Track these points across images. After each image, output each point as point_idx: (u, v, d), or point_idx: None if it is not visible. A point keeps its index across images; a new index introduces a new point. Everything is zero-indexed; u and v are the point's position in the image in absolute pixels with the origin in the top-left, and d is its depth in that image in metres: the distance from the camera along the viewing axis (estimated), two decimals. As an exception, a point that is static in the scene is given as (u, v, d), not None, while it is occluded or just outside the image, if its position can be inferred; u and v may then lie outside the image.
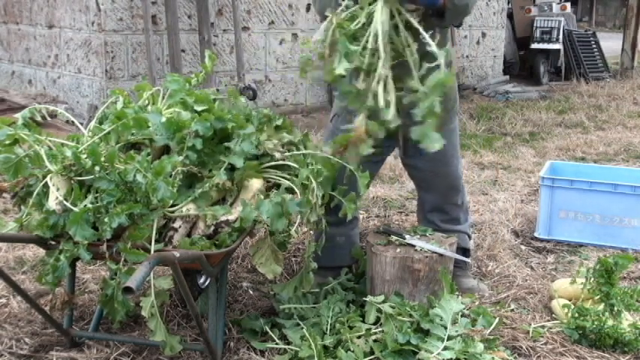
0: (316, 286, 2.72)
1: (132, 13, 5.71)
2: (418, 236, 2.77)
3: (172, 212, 2.12)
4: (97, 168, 2.06)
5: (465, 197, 3.05)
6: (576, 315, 2.60)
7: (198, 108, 2.40)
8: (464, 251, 3.03)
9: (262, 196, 2.21)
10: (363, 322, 2.48)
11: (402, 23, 2.13)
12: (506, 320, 2.68)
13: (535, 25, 10.56)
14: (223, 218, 2.13)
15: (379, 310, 2.48)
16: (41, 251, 2.32)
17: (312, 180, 2.32)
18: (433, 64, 2.03)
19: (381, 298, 2.53)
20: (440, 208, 2.95)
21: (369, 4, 2.09)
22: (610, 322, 2.54)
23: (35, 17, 6.64)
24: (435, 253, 2.60)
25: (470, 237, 3.09)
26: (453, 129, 2.87)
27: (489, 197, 4.40)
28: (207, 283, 2.65)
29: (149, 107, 2.49)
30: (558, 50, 10.65)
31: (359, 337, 2.37)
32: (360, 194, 2.52)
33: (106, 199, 2.03)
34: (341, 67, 2.03)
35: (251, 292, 2.93)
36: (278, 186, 2.35)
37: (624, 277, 3.16)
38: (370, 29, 2.06)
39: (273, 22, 6.78)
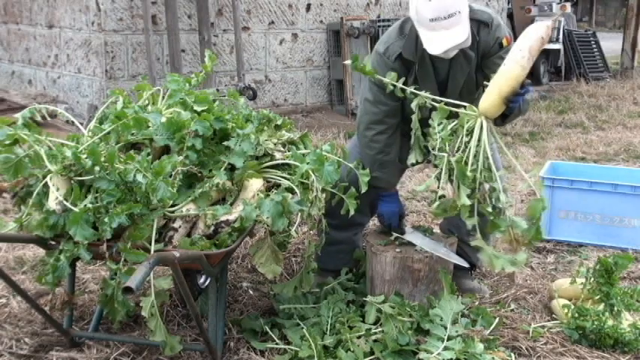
0: (316, 286, 2.72)
1: (132, 13, 5.71)
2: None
3: (172, 212, 2.12)
4: (97, 168, 2.06)
5: None
6: (576, 315, 2.60)
7: (198, 108, 2.40)
8: (472, 266, 3.03)
9: (262, 196, 2.21)
10: (363, 322, 2.48)
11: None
12: (506, 320, 2.68)
13: (535, 25, 10.53)
14: (223, 218, 2.13)
15: (379, 310, 2.48)
16: (41, 251, 2.32)
17: (311, 173, 2.32)
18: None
19: (381, 298, 2.53)
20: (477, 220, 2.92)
21: (468, 121, 2.24)
22: (610, 322, 2.54)
23: (35, 17, 6.64)
24: (435, 254, 2.60)
25: None
26: (495, 149, 2.81)
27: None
28: (207, 283, 2.65)
29: (149, 107, 2.49)
30: (558, 50, 10.65)
31: (359, 337, 2.37)
32: (360, 192, 2.52)
33: (106, 199, 2.03)
34: (464, 197, 2.18)
35: (251, 292, 2.93)
36: (278, 186, 2.35)
37: (624, 277, 3.16)
38: (471, 146, 2.21)
39: (273, 22, 6.78)
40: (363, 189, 2.50)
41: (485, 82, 2.36)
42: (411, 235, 2.73)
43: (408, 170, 4.88)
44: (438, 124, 2.27)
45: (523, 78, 2.26)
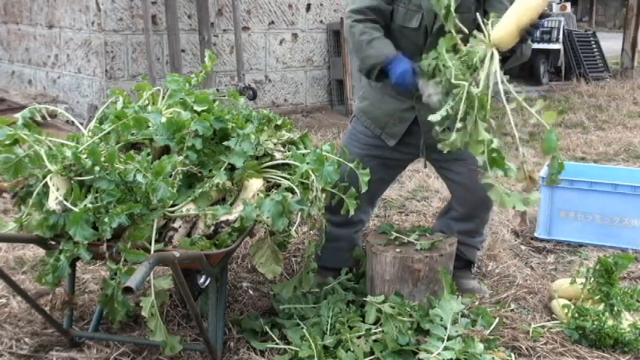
0: (316, 286, 2.72)
1: (132, 13, 5.71)
2: (418, 236, 2.77)
3: (172, 212, 2.12)
4: (97, 168, 2.06)
5: (490, 214, 3.02)
6: (576, 315, 2.60)
7: (198, 108, 2.40)
8: (468, 263, 3.03)
9: (262, 196, 2.21)
10: (363, 322, 2.48)
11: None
12: (506, 320, 2.68)
13: (535, 25, 10.54)
14: (223, 218, 2.13)
15: (379, 310, 2.48)
16: (41, 251, 2.32)
17: (311, 173, 2.32)
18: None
19: (381, 298, 2.53)
20: (464, 218, 2.92)
21: (478, 51, 2.16)
22: (610, 322, 2.54)
23: (35, 17, 6.64)
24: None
25: (479, 250, 3.09)
26: None
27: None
28: (207, 283, 2.65)
29: (149, 107, 2.49)
30: (558, 50, 10.66)
31: (359, 337, 2.37)
32: (360, 192, 2.51)
33: (106, 199, 2.03)
34: (482, 132, 2.10)
35: (251, 292, 2.93)
36: (278, 186, 2.35)
37: (624, 277, 3.16)
38: (481, 78, 2.13)
39: (273, 22, 6.78)
40: (364, 189, 2.48)
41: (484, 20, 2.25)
42: (424, 87, 2.43)
43: (407, 170, 4.89)
44: (447, 52, 2.18)
45: (543, 9, 2.18)
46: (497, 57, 2.13)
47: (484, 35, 2.16)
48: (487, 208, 2.92)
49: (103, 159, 2.08)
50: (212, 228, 2.12)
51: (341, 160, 2.48)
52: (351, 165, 2.51)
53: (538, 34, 10.44)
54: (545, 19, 2.21)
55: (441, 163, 2.86)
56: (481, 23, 2.20)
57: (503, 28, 2.17)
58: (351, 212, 2.46)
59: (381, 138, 2.80)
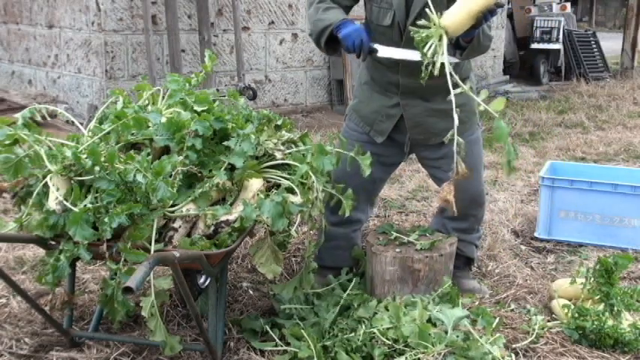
0: (316, 286, 2.71)
1: (132, 13, 5.71)
2: (418, 236, 2.77)
3: (172, 212, 2.12)
4: (97, 168, 2.06)
5: (484, 210, 3.02)
6: (576, 315, 2.60)
7: (198, 108, 2.40)
8: (468, 260, 3.03)
9: (262, 196, 2.21)
10: (362, 322, 2.48)
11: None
12: (506, 320, 2.68)
13: (535, 25, 10.57)
14: (223, 218, 2.13)
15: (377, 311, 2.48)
16: (41, 251, 2.32)
17: (312, 175, 2.31)
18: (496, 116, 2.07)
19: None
20: (458, 217, 2.89)
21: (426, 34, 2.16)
22: (610, 322, 2.54)
23: (35, 17, 6.64)
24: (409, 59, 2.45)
25: (477, 247, 3.09)
26: (476, 140, 2.80)
27: (489, 197, 4.40)
28: (207, 283, 2.65)
29: (149, 107, 2.49)
30: (558, 50, 10.67)
31: (358, 337, 2.37)
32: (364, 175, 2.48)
33: (106, 199, 2.03)
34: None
35: (251, 292, 2.93)
36: (278, 186, 2.35)
37: (624, 277, 3.16)
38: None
39: (273, 22, 6.78)
40: (367, 172, 2.44)
41: None
42: (384, 50, 2.53)
43: (407, 170, 4.89)
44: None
45: None
46: (445, 40, 2.12)
47: (433, 19, 2.15)
48: (479, 206, 2.92)
49: (103, 159, 2.08)
50: (212, 228, 2.12)
51: (340, 150, 2.48)
52: (351, 154, 2.48)
53: (538, 33, 10.46)
54: (500, 7, 2.19)
55: (430, 162, 2.86)
56: (430, 5, 2.19)
57: (453, 12, 2.17)
58: (347, 213, 2.45)
59: (369, 135, 2.81)
